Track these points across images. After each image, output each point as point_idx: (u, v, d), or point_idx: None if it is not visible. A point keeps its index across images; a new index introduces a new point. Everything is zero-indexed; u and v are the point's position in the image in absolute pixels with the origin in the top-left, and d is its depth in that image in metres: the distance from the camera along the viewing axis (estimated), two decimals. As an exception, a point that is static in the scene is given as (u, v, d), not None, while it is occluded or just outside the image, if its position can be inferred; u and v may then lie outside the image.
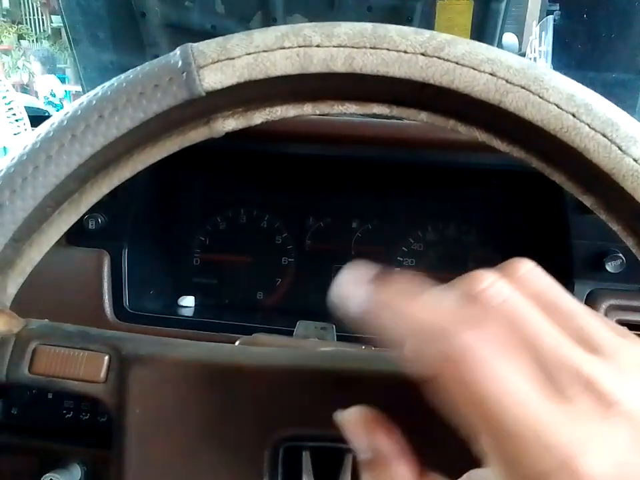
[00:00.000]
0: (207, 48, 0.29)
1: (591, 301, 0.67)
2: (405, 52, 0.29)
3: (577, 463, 0.18)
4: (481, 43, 0.30)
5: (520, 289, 0.22)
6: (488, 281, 0.22)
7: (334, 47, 0.29)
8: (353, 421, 0.26)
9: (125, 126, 0.29)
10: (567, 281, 0.68)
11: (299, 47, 0.29)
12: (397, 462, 0.24)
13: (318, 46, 0.29)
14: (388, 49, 0.29)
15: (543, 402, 0.19)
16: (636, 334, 0.66)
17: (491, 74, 0.28)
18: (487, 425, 0.20)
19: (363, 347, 0.45)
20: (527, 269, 0.24)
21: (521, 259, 0.24)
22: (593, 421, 0.19)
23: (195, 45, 0.30)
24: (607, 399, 0.19)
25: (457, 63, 0.28)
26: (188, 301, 0.85)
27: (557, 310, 0.22)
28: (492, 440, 0.20)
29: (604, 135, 0.28)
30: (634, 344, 0.22)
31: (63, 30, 1.21)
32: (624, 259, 0.66)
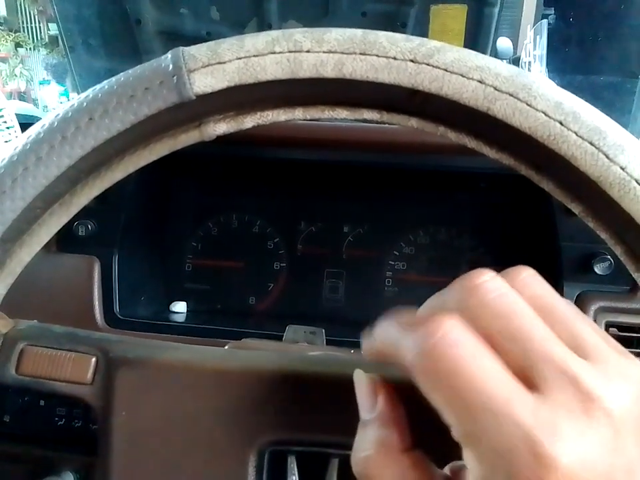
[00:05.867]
0: (197, 52, 0.29)
1: (580, 303, 0.68)
2: (395, 58, 0.29)
3: (543, 448, 0.18)
4: (471, 51, 0.30)
5: (518, 290, 0.23)
6: (487, 276, 0.23)
7: (324, 52, 0.29)
8: (365, 381, 0.27)
9: (115, 128, 0.29)
10: (556, 283, 0.68)
11: (290, 52, 0.29)
12: (390, 428, 0.25)
13: (308, 51, 0.29)
14: (377, 55, 0.29)
15: (517, 386, 0.20)
16: (627, 336, 0.66)
17: (479, 81, 0.28)
18: (457, 405, 0.20)
19: (352, 351, 0.46)
20: (527, 274, 0.24)
21: (522, 266, 0.25)
22: (569, 412, 0.19)
23: (186, 48, 0.30)
24: (589, 394, 0.19)
25: (445, 70, 0.29)
26: (180, 307, 0.85)
27: (552, 314, 0.23)
28: (461, 421, 0.20)
29: (591, 143, 0.28)
30: (623, 357, 0.22)
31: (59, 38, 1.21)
32: (612, 260, 0.67)
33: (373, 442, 0.25)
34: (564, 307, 0.23)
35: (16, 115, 0.87)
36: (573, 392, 0.19)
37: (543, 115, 0.28)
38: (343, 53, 0.29)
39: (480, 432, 0.19)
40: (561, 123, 0.28)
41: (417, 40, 0.29)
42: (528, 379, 0.20)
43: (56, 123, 0.30)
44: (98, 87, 0.31)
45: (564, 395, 0.19)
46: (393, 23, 1.15)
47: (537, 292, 0.23)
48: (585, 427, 0.19)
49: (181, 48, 0.30)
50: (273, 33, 0.30)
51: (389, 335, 0.24)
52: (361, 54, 0.29)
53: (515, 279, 0.24)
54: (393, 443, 0.24)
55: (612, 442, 0.19)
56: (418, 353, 0.21)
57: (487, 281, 0.23)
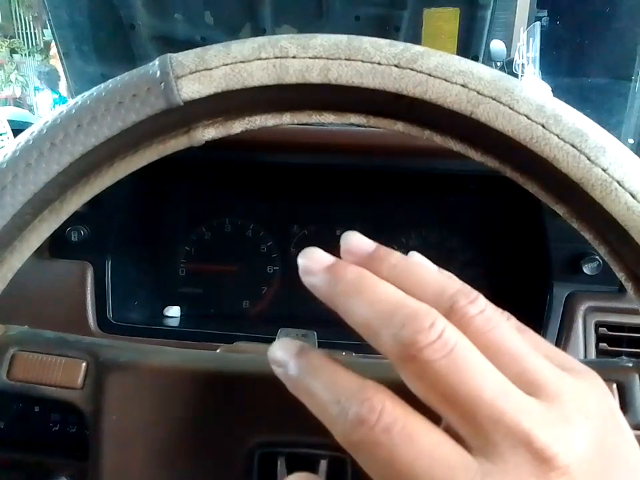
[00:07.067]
0: (185, 58, 0.30)
1: (569, 303, 0.68)
2: (379, 63, 0.29)
3: None
4: (455, 55, 0.30)
5: (466, 330, 0.21)
6: (434, 332, 0.20)
7: (309, 58, 0.29)
8: None
9: (104, 135, 0.30)
10: (545, 284, 0.69)
11: (275, 57, 0.29)
12: None
13: (294, 57, 0.29)
14: (362, 61, 0.29)
15: (462, 458, 0.19)
16: (616, 335, 0.66)
17: (462, 85, 0.29)
18: None
19: (344, 354, 0.46)
20: (476, 309, 0.22)
21: (467, 292, 0.22)
22: (525, 478, 0.18)
23: (174, 55, 0.30)
24: (543, 454, 0.18)
25: (429, 75, 0.29)
26: (173, 311, 0.85)
27: (500, 352, 0.21)
28: None
29: (573, 145, 0.28)
30: (577, 381, 0.21)
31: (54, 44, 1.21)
32: (600, 261, 0.67)
33: None
34: (515, 341, 0.21)
35: (11, 121, 0.87)
36: (525, 455, 0.18)
37: (525, 118, 0.28)
38: (328, 58, 0.29)
39: None
40: (542, 126, 0.28)
41: (401, 45, 0.30)
42: (477, 445, 0.19)
43: (45, 130, 0.30)
44: (87, 93, 0.31)
45: (515, 459, 0.18)
46: (386, 27, 1.15)
47: (486, 328, 0.21)
48: None
49: (169, 55, 0.30)
50: (259, 39, 0.30)
51: (315, 397, 0.22)
52: (346, 59, 0.29)
53: (464, 316, 0.21)
54: None
55: None
56: (349, 441, 0.20)
57: (431, 342, 0.20)
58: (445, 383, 0.20)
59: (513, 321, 0.24)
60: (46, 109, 4.51)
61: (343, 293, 0.23)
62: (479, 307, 0.22)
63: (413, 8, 1.14)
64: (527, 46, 2.00)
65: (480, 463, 0.19)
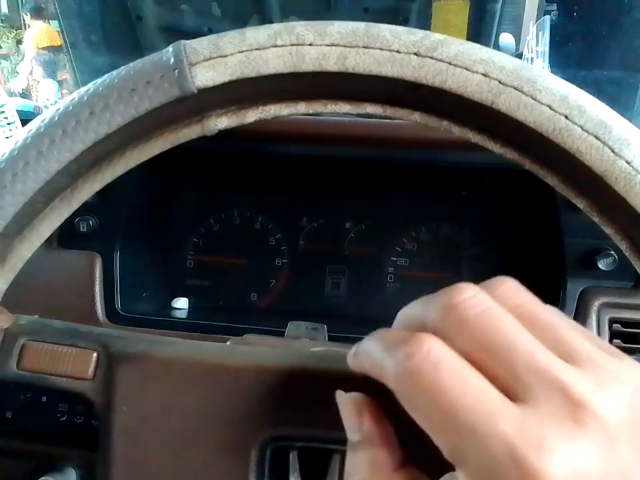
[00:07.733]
0: (199, 45, 0.29)
1: (583, 299, 0.67)
2: (398, 51, 0.29)
3: (528, 462, 0.18)
4: (475, 44, 0.29)
5: (500, 302, 0.23)
6: (469, 292, 0.23)
7: (326, 45, 0.29)
8: (348, 402, 0.27)
9: (116, 122, 0.29)
10: (560, 279, 0.68)
11: (292, 45, 0.29)
12: (379, 448, 0.25)
13: (310, 44, 0.29)
14: (381, 49, 0.29)
15: (501, 400, 0.20)
16: (630, 332, 0.66)
17: (483, 74, 0.28)
18: (441, 425, 0.20)
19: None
20: (509, 285, 0.24)
21: (504, 277, 0.24)
22: (558, 422, 0.19)
23: (187, 42, 0.30)
24: (579, 401, 0.19)
25: (449, 63, 0.28)
26: (181, 303, 0.85)
27: (537, 322, 0.22)
28: (447, 441, 0.20)
29: (596, 137, 0.27)
30: (614, 359, 0.21)
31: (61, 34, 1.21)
32: (616, 256, 0.66)
33: (364, 464, 0.25)
34: (549, 314, 0.23)
35: (18, 111, 0.87)
36: (562, 400, 0.19)
37: (548, 108, 0.28)
38: (345, 46, 0.29)
39: (467, 451, 0.19)
40: (566, 117, 0.28)
41: (420, 33, 0.29)
42: (514, 392, 0.20)
43: (57, 117, 0.30)
44: (99, 80, 0.30)
45: (552, 404, 0.19)
46: (395, 19, 1.14)
47: (519, 302, 0.23)
48: (575, 436, 0.18)
49: (182, 41, 0.30)
50: (275, 26, 0.30)
51: (372, 355, 0.24)
52: (363, 47, 0.29)
53: (496, 291, 0.23)
54: (384, 463, 0.24)
55: (606, 449, 0.18)
56: (398, 375, 0.21)
57: (466, 299, 0.22)
58: (481, 334, 0.21)
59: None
60: (51, 98, 4.53)
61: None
62: (514, 283, 0.24)
63: (422, 0, 1.14)
64: (536, 40, 1.98)
65: (521, 409, 0.19)
